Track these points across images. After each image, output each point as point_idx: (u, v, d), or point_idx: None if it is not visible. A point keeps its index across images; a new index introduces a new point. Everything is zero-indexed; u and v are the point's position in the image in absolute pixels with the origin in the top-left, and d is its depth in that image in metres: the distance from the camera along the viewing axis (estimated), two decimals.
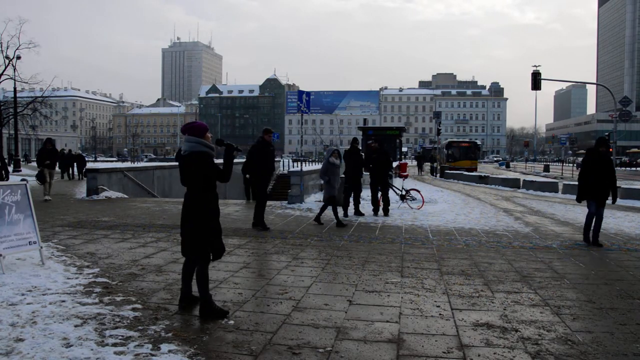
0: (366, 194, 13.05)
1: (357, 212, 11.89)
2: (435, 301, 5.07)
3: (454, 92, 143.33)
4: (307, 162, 46.92)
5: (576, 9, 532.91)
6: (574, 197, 18.95)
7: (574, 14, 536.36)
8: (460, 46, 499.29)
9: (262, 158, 9.64)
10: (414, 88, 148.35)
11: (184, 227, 4.55)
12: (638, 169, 60.95)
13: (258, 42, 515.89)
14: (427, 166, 44.63)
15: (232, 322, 4.32)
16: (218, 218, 4.55)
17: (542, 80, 30.73)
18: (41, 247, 6.30)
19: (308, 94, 14.90)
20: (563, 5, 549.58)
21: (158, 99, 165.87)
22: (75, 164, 27.18)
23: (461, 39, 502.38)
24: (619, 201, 17.20)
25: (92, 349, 3.64)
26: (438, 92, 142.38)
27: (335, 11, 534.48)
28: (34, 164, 45.97)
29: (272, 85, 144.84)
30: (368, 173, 12.38)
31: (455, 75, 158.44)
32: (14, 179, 19.22)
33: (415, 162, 49.24)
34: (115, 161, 64.96)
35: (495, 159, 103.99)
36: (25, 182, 6.47)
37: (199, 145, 4.42)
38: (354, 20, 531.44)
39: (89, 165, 25.60)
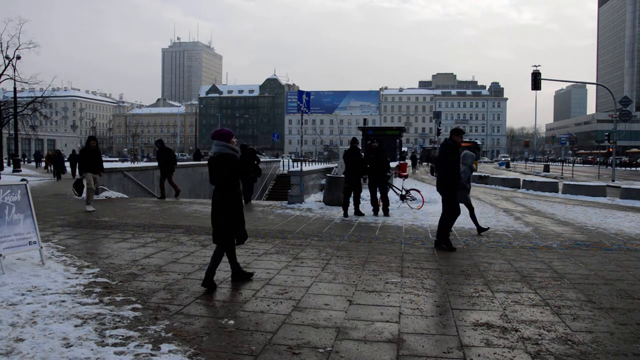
0: (366, 194, 13.05)
1: (357, 212, 11.89)
2: (435, 301, 5.07)
3: (453, 92, 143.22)
4: (307, 162, 46.94)
5: (573, 9, 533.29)
6: (574, 197, 19.21)
7: (571, 14, 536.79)
8: (458, 46, 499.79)
9: (455, 163, 7.92)
10: (414, 88, 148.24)
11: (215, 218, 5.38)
12: (638, 168, 60.92)
13: (258, 42, 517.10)
14: (426, 166, 44.70)
15: (232, 322, 4.32)
16: (242, 209, 5.52)
17: (542, 80, 30.81)
18: (41, 247, 6.29)
19: (308, 94, 14.89)
20: (560, 6, 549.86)
21: (158, 99, 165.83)
22: (78, 164, 27.23)
23: (459, 39, 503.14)
24: (619, 201, 17.24)
25: (92, 349, 3.64)
26: (438, 92, 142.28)
27: (334, 11, 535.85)
28: (33, 163, 46.06)
29: (272, 85, 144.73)
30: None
31: (455, 75, 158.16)
32: (13, 179, 19.24)
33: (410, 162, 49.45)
34: (116, 161, 64.71)
35: (502, 157, 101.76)
36: (25, 182, 6.46)
37: (226, 148, 5.29)
38: (353, 21, 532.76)
39: None
